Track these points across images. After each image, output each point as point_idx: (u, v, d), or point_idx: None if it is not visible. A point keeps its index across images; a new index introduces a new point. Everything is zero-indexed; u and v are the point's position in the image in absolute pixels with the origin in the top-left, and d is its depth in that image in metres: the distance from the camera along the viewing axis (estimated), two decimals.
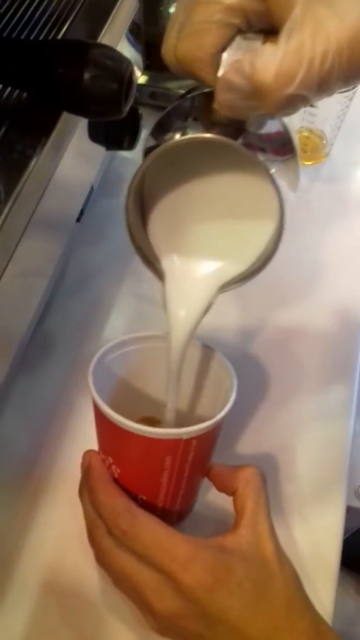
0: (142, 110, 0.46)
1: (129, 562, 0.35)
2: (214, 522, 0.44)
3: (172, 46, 0.27)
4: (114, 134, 0.49)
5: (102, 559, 0.37)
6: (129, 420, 0.34)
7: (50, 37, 0.44)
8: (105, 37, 0.46)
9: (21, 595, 0.41)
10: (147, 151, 0.29)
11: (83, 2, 0.48)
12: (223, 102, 0.26)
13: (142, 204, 0.33)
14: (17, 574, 0.42)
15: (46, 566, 0.42)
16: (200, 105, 0.29)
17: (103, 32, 0.46)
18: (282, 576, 0.34)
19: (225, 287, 0.34)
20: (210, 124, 0.27)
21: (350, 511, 0.54)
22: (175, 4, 0.61)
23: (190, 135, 0.28)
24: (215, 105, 0.27)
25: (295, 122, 0.64)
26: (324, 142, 0.66)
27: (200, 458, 0.37)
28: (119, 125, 0.47)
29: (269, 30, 0.26)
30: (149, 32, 0.61)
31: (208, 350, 0.40)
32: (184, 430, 0.34)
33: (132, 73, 0.36)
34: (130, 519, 0.34)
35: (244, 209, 0.31)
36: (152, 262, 0.34)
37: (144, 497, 0.38)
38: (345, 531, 0.68)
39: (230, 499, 0.38)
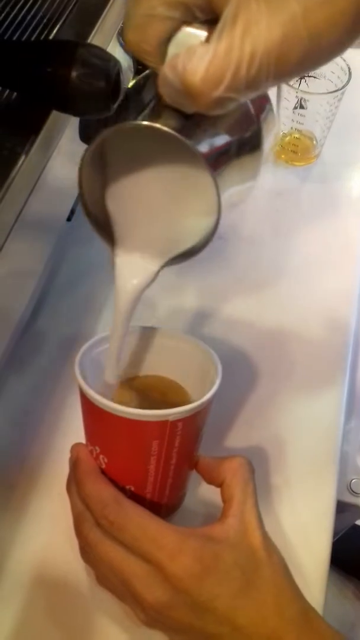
0: None
1: (117, 553, 0.35)
2: (203, 517, 0.44)
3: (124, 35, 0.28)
4: None
5: (88, 553, 0.37)
6: (114, 404, 0.35)
7: (41, 38, 0.45)
8: (95, 39, 0.47)
9: (11, 589, 0.41)
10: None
11: (74, 4, 0.49)
12: (163, 93, 0.27)
13: (103, 174, 0.34)
14: (6, 568, 0.42)
15: (36, 561, 0.42)
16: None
17: (93, 33, 0.47)
18: (270, 564, 0.35)
19: (169, 262, 0.35)
20: (163, 105, 0.28)
21: (344, 508, 0.54)
22: None
23: (131, 122, 0.29)
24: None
25: (286, 123, 0.65)
26: (314, 143, 0.67)
27: (187, 444, 0.38)
28: None
29: (216, 20, 0.26)
30: None
31: (191, 341, 0.41)
32: (170, 411, 0.35)
33: (119, 71, 0.36)
34: (117, 509, 0.35)
35: (190, 191, 0.32)
36: (103, 229, 0.35)
37: (132, 488, 0.38)
38: (341, 528, 0.69)
39: (219, 493, 0.38)
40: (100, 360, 0.40)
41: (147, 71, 0.32)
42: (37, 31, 0.46)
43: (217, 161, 0.30)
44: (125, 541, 0.34)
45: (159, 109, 0.28)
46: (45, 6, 0.48)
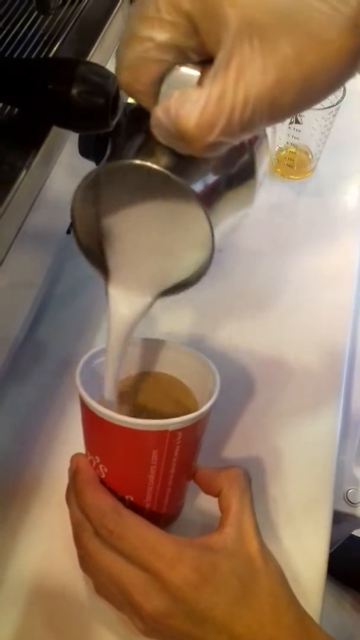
0: None
1: (115, 563, 0.35)
2: (201, 527, 0.44)
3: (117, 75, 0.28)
4: (103, 150, 0.51)
5: (87, 562, 0.38)
6: (114, 413, 0.35)
7: (42, 55, 0.46)
8: (95, 56, 0.48)
9: (10, 599, 0.41)
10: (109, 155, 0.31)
11: (74, 22, 0.50)
12: (155, 134, 0.27)
13: (97, 206, 0.34)
14: (5, 578, 0.42)
15: (35, 571, 0.43)
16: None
17: (93, 51, 0.48)
18: (267, 572, 0.35)
19: (163, 294, 0.36)
20: (156, 141, 0.28)
21: (341, 518, 0.54)
22: None
23: (123, 161, 0.29)
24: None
25: (282, 137, 0.66)
26: (310, 157, 0.68)
27: (186, 454, 0.38)
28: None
29: (210, 60, 0.26)
30: None
31: (190, 353, 0.42)
32: (170, 421, 0.35)
33: (118, 88, 0.37)
34: (116, 518, 0.35)
35: (183, 225, 0.32)
36: (96, 258, 0.36)
37: (132, 498, 0.39)
38: (338, 538, 0.69)
39: (217, 503, 0.39)
40: (100, 370, 0.40)
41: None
42: (38, 49, 0.47)
43: (211, 196, 0.30)
44: (124, 550, 0.35)
45: (152, 145, 0.28)
46: (46, 24, 0.49)
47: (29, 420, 0.50)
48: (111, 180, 0.32)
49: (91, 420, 0.37)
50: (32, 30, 0.48)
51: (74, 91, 0.36)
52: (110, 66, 0.52)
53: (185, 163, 0.28)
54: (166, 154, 0.28)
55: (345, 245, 0.64)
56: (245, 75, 0.23)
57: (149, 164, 0.28)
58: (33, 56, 0.46)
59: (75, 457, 0.40)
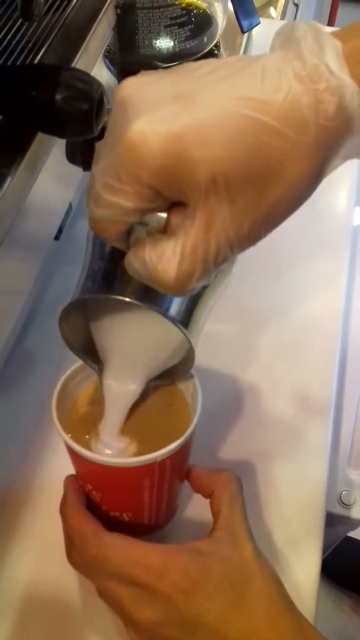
0: None
1: (105, 582, 0.35)
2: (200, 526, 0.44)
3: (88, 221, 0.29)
4: (90, 155, 0.51)
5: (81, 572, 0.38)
6: (100, 456, 0.34)
7: (27, 62, 0.46)
8: (80, 62, 0.48)
9: (3, 607, 0.41)
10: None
11: (58, 29, 0.50)
12: (130, 273, 0.28)
13: (85, 311, 0.37)
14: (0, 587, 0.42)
15: (28, 578, 0.42)
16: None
17: (77, 57, 0.48)
18: (261, 576, 0.34)
19: (153, 381, 0.39)
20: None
21: (335, 521, 0.54)
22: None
23: (99, 295, 0.33)
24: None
25: None
26: None
27: (177, 470, 0.38)
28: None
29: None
30: (124, 59, 0.63)
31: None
32: (156, 454, 0.34)
33: (102, 94, 0.37)
34: (97, 542, 0.35)
35: (166, 330, 0.34)
36: (88, 351, 0.39)
37: (129, 515, 0.38)
38: (333, 540, 0.69)
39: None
40: (76, 391, 0.40)
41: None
42: (23, 56, 0.47)
43: (193, 302, 0.33)
44: (111, 571, 0.34)
45: (128, 275, 0.29)
46: (31, 31, 0.49)
47: (17, 429, 0.49)
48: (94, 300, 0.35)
49: (76, 458, 0.37)
50: (17, 37, 0.48)
51: (58, 97, 0.36)
52: (95, 72, 0.53)
53: None
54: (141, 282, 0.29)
55: (335, 248, 0.64)
56: (215, 226, 0.25)
57: (126, 298, 0.31)
58: (17, 63, 0.46)
59: (65, 480, 0.39)
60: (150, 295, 0.31)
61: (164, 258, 0.26)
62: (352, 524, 0.56)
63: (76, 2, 0.52)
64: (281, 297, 0.60)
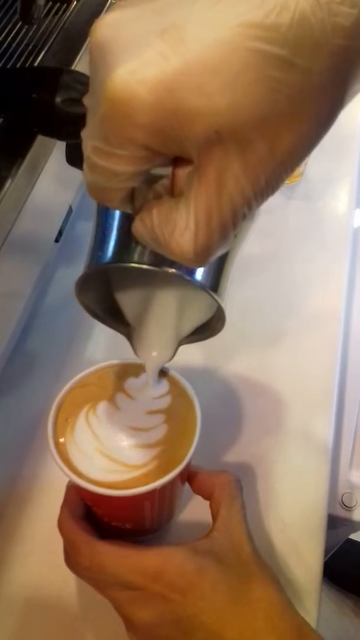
0: None
1: (102, 588, 0.35)
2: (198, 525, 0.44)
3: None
4: None
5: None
6: (101, 488, 0.33)
7: (27, 65, 0.46)
8: (79, 65, 0.48)
9: (4, 610, 0.41)
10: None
11: (58, 32, 0.50)
12: (142, 242, 0.25)
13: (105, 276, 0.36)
14: (1, 589, 0.42)
15: (29, 581, 0.42)
16: None
17: (77, 60, 0.48)
18: (260, 578, 0.34)
19: (182, 343, 0.38)
20: None
21: (337, 523, 0.54)
22: None
23: (118, 264, 0.30)
24: None
25: None
26: None
27: (178, 486, 0.38)
28: None
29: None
30: None
31: (180, 383, 0.39)
32: (156, 484, 0.33)
33: None
34: (90, 552, 0.34)
35: (195, 293, 0.34)
36: (114, 319, 0.37)
37: (130, 524, 0.38)
38: (335, 542, 0.68)
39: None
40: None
41: None
42: (23, 58, 0.47)
43: (218, 261, 0.30)
44: (107, 578, 0.34)
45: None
46: (30, 34, 0.49)
47: (18, 432, 0.49)
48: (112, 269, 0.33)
49: (76, 486, 0.35)
50: (17, 40, 0.48)
51: (58, 100, 0.36)
52: None
53: None
54: None
55: (335, 249, 0.64)
56: (227, 185, 0.21)
57: (145, 266, 0.29)
58: (18, 66, 0.46)
59: (66, 488, 0.39)
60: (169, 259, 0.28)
61: (176, 232, 0.23)
62: (354, 526, 0.55)
63: (75, 5, 0.52)
64: (281, 298, 0.60)
